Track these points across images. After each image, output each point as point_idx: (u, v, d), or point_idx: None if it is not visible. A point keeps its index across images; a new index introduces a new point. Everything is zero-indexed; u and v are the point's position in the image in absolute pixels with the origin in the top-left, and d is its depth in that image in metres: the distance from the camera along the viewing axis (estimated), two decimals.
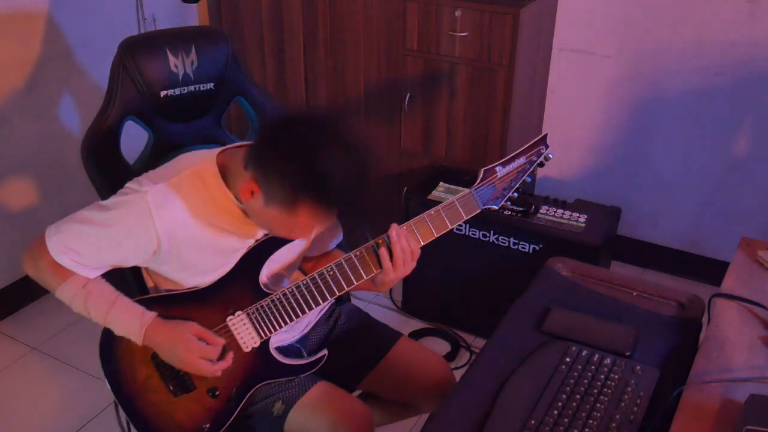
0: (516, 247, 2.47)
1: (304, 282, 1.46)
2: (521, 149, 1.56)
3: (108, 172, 1.68)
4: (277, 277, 1.59)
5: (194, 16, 3.30)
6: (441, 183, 2.66)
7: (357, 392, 1.73)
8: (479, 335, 2.72)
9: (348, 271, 1.46)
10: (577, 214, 2.48)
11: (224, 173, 1.43)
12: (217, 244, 1.45)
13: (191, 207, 1.41)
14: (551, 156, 1.61)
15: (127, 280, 1.65)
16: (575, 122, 3.02)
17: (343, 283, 1.47)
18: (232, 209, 1.44)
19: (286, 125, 1.32)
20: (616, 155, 3.01)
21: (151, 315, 1.45)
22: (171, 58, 1.70)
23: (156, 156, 1.73)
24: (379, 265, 1.46)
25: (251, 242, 1.49)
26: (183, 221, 1.40)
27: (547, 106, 3.05)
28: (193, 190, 1.41)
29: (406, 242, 1.44)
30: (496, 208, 1.52)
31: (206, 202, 1.42)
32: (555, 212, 2.50)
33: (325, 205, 1.31)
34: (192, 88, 1.75)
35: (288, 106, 1.30)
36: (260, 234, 1.50)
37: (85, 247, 1.41)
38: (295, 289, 1.47)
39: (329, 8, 2.83)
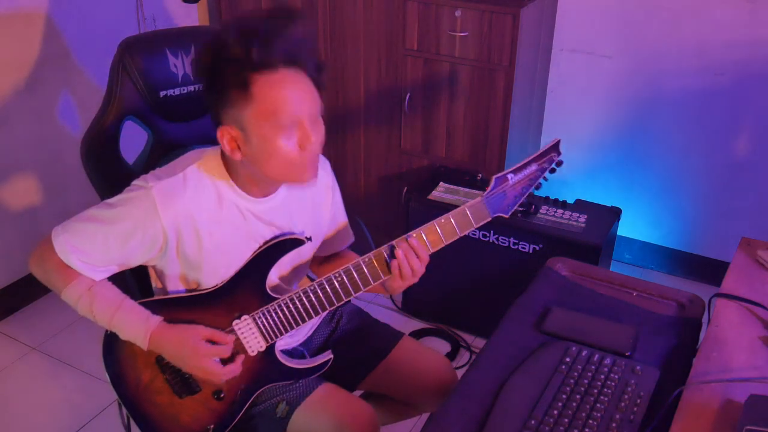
0: (516, 247, 2.47)
1: (312, 287, 1.45)
2: (534, 156, 1.51)
3: (107, 173, 1.67)
4: (286, 281, 1.59)
5: (194, 16, 3.30)
6: (441, 183, 2.66)
7: (359, 392, 1.73)
8: (479, 335, 2.72)
9: (356, 276, 1.45)
10: (577, 214, 2.48)
11: (227, 166, 1.44)
12: (222, 237, 1.45)
13: (197, 202, 1.41)
14: (563, 161, 1.57)
15: (129, 285, 1.65)
16: (575, 122, 3.01)
17: (350, 288, 1.46)
18: (237, 202, 1.44)
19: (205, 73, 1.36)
20: (616, 155, 3.00)
21: (156, 320, 1.44)
22: (171, 59, 1.70)
23: (155, 156, 1.73)
24: (388, 270, 1.45)
25: (254, 245, 1.49)
26: (189, 216, 1.40)
27: (547, 106, 3.05)
28: (198, 185, 1.41)
29: (416, 246, 1.44)
30: (506, 216, 1.49)
31: (212, 197, 1.42)
32: (555, 212, 2.50)
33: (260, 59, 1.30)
34: (191, 88, 1.74)
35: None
36: (262, 230, 1.49)
37: (92, 245, 1.40)
38: (302, 294, 1.46)
39: (329, 8, 2.83)
